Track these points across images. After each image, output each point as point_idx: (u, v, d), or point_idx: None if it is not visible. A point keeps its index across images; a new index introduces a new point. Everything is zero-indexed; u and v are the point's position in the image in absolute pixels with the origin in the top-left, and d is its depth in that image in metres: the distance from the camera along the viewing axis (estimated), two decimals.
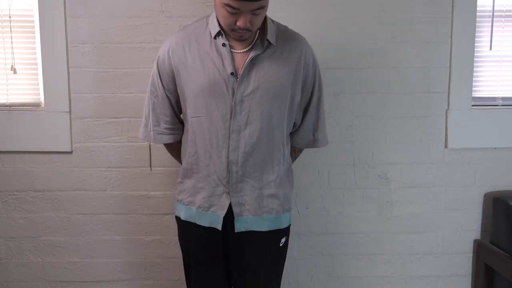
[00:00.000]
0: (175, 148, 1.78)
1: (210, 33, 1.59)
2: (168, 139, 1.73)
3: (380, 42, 2.17)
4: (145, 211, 2.24)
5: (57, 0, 2.10)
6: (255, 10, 1.46)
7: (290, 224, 1.74)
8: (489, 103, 2.29)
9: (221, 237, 1.65)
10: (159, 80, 1.66)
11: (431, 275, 2.33)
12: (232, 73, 1.55)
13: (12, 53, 2.16)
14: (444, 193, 2.28)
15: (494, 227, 2.24)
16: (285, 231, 1.72)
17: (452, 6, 2.16)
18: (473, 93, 2.23)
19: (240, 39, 1.56)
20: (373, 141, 2.24)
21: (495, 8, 2.20)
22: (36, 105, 2.21)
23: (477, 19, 2.18)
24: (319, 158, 2.23)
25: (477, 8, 2.17)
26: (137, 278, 2.30)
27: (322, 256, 2.31)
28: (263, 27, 1.59)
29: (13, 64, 2.16)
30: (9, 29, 2.15)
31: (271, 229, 1.66)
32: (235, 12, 1.45)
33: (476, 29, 2.19)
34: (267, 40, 1.58)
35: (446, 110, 2.23)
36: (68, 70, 2.15)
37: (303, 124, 1.73)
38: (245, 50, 1.58)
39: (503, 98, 2.29)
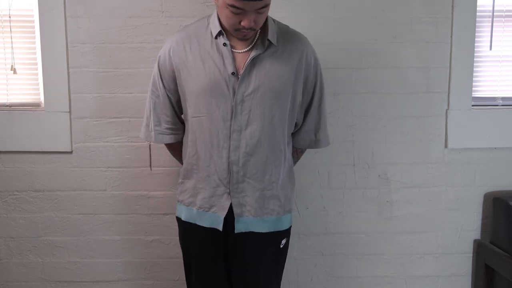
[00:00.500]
0: (176, 148, 1.78)
1: (211, 33, 1.59)
2: (169, 139, 1.73)
3: (380, 42, 2.17)
4: (145, 211, 2.24)
5: (57, 0, 2.09)
6: (259, 9, 1.46)
7: (291, 226, 1.74)
8: (489, 103, 2.29)
9: (221, 237, 1.65)
10: (160, 80, 1.66)
11: (431, 275, 2.33)
12: (233, 73, 1.55)
13: (12, 53, 2.16)
14: (444, 193, 2.28)
15: (494, 227, 2.24)
16: (286, 233, 1.72)
17: (452, 6, 2.16)
18: (473, 93, 2.23)
19: (244, 39, 1.55)
20: (373, 141, 2.24)
21: (495, 8, 2.20)
22: (36, 105, 2.21)
23: (477, 19, 2.18)
24: (319, 158, 2.23)
25: (477, 8, 2.17)
26: (137, 278, 2.30)
27: (322, 256, 2.30)
28: (264, 27, 1.58)
29: (13, 64, 2.16)
30: (9, 29, 2.15)
31: (272, 230, 1.66)
32: (239, 12, 1.45)
33: (476, 29, 2.19)
34: (268, 39, 1.57)
35: (446, 110, 2.23)
36: (68, 70, 2.14)
37: (304, 125, 1.73)
38: (246, 49, 1.57)
39: (503, 98, 2.29)
